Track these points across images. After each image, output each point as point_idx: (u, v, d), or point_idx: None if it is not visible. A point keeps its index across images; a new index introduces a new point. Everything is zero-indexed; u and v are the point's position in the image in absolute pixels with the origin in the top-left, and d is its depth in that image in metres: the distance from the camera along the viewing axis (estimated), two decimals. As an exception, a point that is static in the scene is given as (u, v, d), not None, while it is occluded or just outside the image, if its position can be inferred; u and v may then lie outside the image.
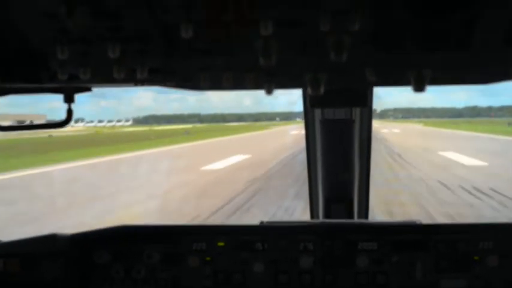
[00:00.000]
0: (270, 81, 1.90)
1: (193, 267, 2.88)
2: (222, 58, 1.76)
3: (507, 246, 2.81)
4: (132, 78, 1.90)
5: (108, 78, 1.89)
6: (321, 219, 3.54)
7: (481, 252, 2.80)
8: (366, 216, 3.77)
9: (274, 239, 2.86)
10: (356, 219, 3.53)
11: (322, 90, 1.84)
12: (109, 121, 76.75)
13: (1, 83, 2.02)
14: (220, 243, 2.88)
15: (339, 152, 3.44)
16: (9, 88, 2.38)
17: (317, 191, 3.60)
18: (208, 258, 2.88)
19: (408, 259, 2.83)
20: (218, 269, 2.88)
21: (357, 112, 3.34)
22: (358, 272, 2.83)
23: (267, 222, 3.02)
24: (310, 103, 2.49)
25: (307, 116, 3.55)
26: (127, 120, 78.96)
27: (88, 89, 2.46)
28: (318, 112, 3.36)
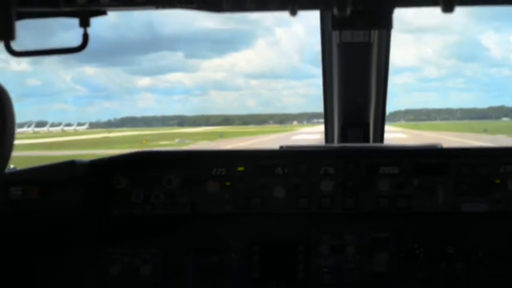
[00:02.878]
0: (294, 1, 2.28)
1: (212, 192, 3.29)
2: None
3: None
4: None
5: None
6: (336, 143, 3.99)
7: (503, 175, 3.14)
8: (381, 141, 4.12)
9: (295, 163, 3.26)
10: (372, 143, 3.93)
11: (348, 11, 2.20)
12: (52, 125, 74.55)
13: (18, 7, 2.44)
14: (240, 168, 3.26)
15: (356, 76, 3.77)
16: (25, 12, 2.80)
17: (333, 115, 3.97)
18: (228, 183, 3.25)
19: (429, 183, 3.18)
20: (238, 194, 3.26)
21: (375, 35, 3.61)
22: (380, 196, 3.24)
23: (287, 147, 3.47)
24: (332, 25, 2.89)
25: (324, 39, 3.86)
26: (80, 124, 76.83)
27: (103, 13, 2.84)
28: (335, 35, 3.63)
